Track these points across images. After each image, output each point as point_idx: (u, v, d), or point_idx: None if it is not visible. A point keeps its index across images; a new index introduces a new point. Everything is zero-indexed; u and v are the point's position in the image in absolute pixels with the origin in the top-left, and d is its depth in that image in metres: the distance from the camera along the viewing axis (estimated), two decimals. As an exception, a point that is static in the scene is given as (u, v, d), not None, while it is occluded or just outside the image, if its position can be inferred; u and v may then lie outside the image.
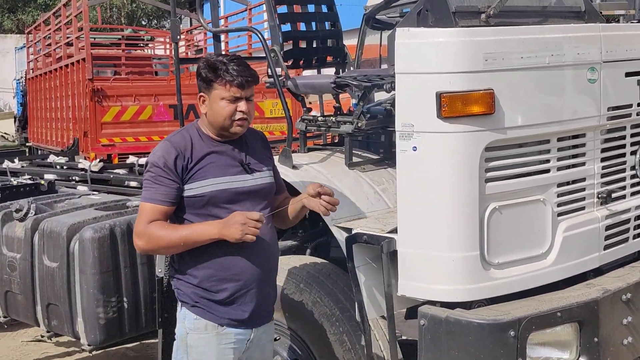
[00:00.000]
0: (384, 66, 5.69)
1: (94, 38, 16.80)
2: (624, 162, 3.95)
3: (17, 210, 5.47)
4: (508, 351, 3.26)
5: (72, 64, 13.39)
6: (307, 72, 6.04)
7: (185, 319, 3.44)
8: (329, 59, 4.99)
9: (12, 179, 7.51)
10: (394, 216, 3.63)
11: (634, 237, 4.01)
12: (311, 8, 5.00)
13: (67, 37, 14.50)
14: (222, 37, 10.24)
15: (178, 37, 5.03)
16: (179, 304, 3.49)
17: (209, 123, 3.42)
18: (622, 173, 3.94)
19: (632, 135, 3.96)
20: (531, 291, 3.55)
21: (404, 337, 4.74)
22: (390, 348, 3.57)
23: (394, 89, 3.64)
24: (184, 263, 3.43)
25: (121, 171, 9.73)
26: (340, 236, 3.72)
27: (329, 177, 4.07)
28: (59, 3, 15.59)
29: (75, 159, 12.04)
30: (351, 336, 3.80)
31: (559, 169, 3.66)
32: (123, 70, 16.53)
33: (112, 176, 9.20)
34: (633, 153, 3.98)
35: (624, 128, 3.91)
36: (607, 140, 3.84)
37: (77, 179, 9.25)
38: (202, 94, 3.41)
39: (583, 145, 3.74)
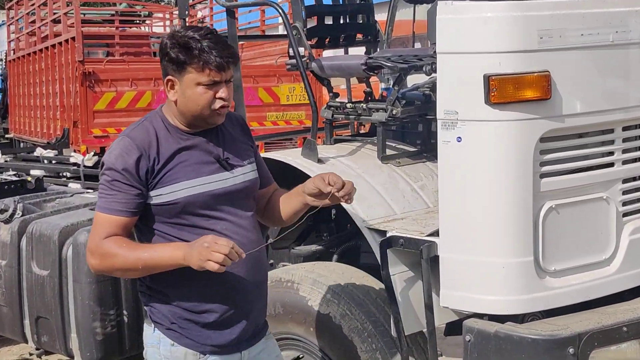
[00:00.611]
0: (417, 45, 5.72)
1: (84, 14, 16.88)
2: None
3: (2, 211, 5.51)
4: (566, 371, 3.28)
5: (60, 43, 13.49)
6: (327, 53, 6.06)
7: (160, 343, 3.26)
8: (359, 36, 5.01)
9: (-6, 176, 7.57)
10: (435, 217, 3.66)
11: None
12: (338, -22, 5.03)
13: (54, 13, 14.60)
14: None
15: (186, 12, 5.04)
16: (151, 324, 3.29)
17: (180, 112, 3.21)
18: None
19: None
20: (593, 302, 3.56)
21: (444, 357, 4.77)
22: (431, 367, 3.60)
23: (434, 71, 3.66)
24: (159, 275, 3.20)
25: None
26: (373, 240, 3.75)
27: (359, 172, 4.10)
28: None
29: (64, 152, 12.13)
30: (385, 354, 3.82)
31: (625, 162, 3.67)
32: (117, 50, 16.54)
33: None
34: None
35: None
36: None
37: (68, 175, 9.32)
38: (170, 77, 3.17)
39: (652, 135, 3.76)
